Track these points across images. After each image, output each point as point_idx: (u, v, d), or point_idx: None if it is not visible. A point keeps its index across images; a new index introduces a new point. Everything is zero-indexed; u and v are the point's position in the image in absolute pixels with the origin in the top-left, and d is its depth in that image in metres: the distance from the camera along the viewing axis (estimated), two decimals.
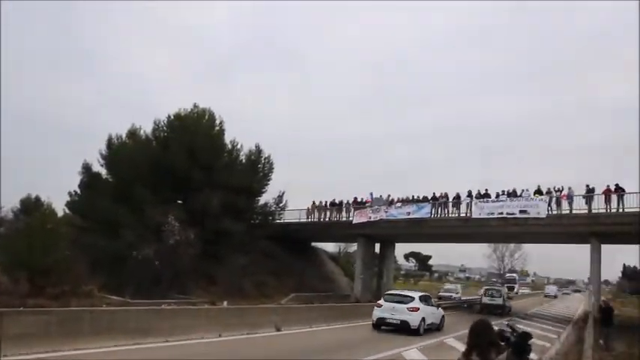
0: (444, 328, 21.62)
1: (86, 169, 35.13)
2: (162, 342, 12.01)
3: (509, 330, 4.49)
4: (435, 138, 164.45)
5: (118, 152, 34.44)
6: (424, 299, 21.10)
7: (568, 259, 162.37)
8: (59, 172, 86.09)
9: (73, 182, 36.07)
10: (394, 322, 19.29)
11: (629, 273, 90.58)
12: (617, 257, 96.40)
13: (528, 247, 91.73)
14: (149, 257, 27.91)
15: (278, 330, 16.46)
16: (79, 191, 35.58)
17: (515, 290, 67.18)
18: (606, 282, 72.37)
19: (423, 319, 19.73)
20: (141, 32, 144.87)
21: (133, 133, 35.75)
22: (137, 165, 32.48)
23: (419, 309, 19.68)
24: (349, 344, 15.42)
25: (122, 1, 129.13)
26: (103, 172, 35.21)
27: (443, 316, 22.36)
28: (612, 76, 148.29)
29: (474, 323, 4.11)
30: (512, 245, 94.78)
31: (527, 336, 5.59)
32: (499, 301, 36.83)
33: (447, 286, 55.82)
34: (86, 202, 33.64)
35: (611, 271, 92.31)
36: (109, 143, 35.18)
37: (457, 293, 47.39)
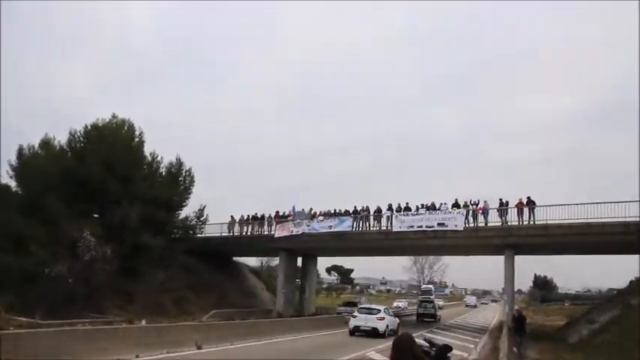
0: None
1: None
2: None
3: (427, 344, 4.51)
4: (360, 150, 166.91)
5: (29, 163, 32.74)
6: (387, 311, 28.10)
7: (484, 270, 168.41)
8: None
9: None
10: (367, 328, 25.28)
11: (539, 282, 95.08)
12: (529, 267, 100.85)
13: (447, 259, 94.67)
14: (62, 275, 26.58)
15: (199, 348, 16.04)
16: None
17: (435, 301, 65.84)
18: (519, 291, 75.69)
19: (387, 326, 25.69)
20: (54, 36, 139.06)
21: (46, 143, 34.17)
22: (50, 177, 31.00)
23: (384, 318, 26.09)
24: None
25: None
26: (12, 184, 33.34)
27: (399, 323, 28.25)
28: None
29: (397, 337, 4.10)
30: (431, 257, 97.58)
31: (446, 349, 5.69)
32: (432, 310, 44.07)
33: (396, 302, 68.27)
34: None
35: (524, 281, 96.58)
36: (20, 154, 33.43)
37: (405, 307, 61.96)
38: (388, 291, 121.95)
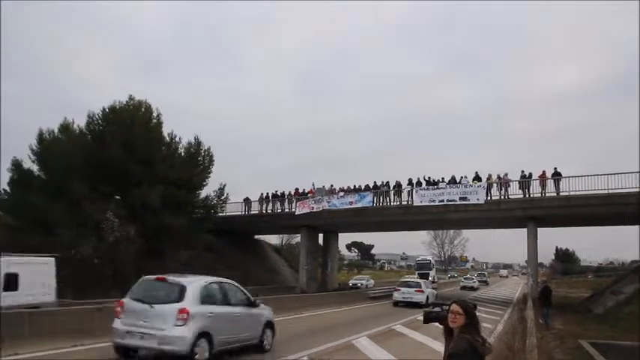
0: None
1: (16, 165, 33.38)
2: (108, 342, 11.52)
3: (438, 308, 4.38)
4: (376, 129, 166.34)
5: (50, 147, 32.96)
6: (426, 284, 31.65)
7: (505, 244, 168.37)
8: None
9: None
10: (409, 300, 29.01)
11: (561, 255, 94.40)
12: (551, 240, 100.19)
13: (467, 234, 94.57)
14: (88, 255, 26.94)
15: None
16: (8, 189, 33.88)
17: (431, 278, 48.72)
18: (541, 264, 75.62)
19: (427, 297, 28.95)
20: (68, 28, 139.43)
21: (65, 128, 34.30)
22: (71, 160, 31.20)
23: (424, 290, 29.68)
24: (307, 334, 15.26)
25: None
26: (35, 168, 33.62)
27: (436, 295, 31.97)
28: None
29: (464, 302, 4.07)
30: (451, 232, 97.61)
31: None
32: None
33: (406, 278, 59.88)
34: (17, 200, 32.05)
35: (545, 254, 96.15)
36: (40, 138, 33.64)
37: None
38: (409, 266, 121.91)
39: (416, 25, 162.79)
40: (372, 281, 52.09)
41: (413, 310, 25.16)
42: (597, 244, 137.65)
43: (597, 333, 17.82)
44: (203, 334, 10.26)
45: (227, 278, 12.72)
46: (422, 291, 29.65)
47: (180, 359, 9.90)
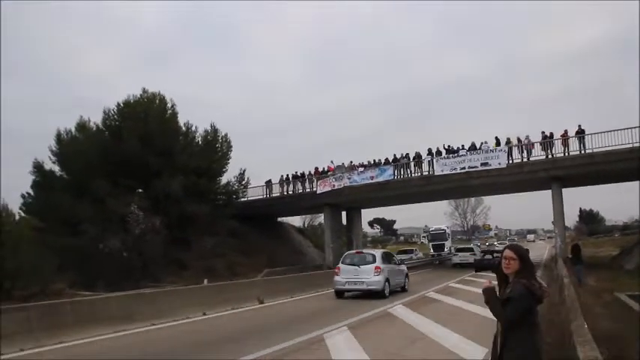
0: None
1: (38, 168, 33.72)
2: (148, 326, 11.70)
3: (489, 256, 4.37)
4: (389, 104, 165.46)
5: (69, 147, 33.24)
6: (476, 247, 43.08)
7: (528, 209, 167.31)
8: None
9: (19, 185, 34.67)
10: (464, 262, 37.26)
11: (585, 216, 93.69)
12: (574, 202, 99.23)
13: (489, 201, 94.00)
14: (116, 249, 27.29)
15: (261, 303, 16.33)
16: (32, 192, 34.24)
17: (447, 249, 50.09)
18: (566, 227, 74.89)
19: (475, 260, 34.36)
20: (72, 28, 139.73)
21: (82, 126, 34.54)
22: (91, 157, 31.48)
23: (476, 253, 37.50)
24: (332, 309, 15.33)
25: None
26: (56, 169, 33.96)
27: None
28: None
29: (517, 246, 4.05)
30: (472, 201, 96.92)
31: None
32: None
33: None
34: (42, 201, 32.44)
35: (569, 216, 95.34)
36: (59, 139, 33.92)
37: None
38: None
39: None
40: (420, 253, 50.42)
41: (445, 278, 25.26)
42: (621, 203, 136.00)
43: (632, 287, 17.63)
44: (386, 280, 17.96)
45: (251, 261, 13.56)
46: (475, 254, 37.90)
47: (376, 294, 17.54)
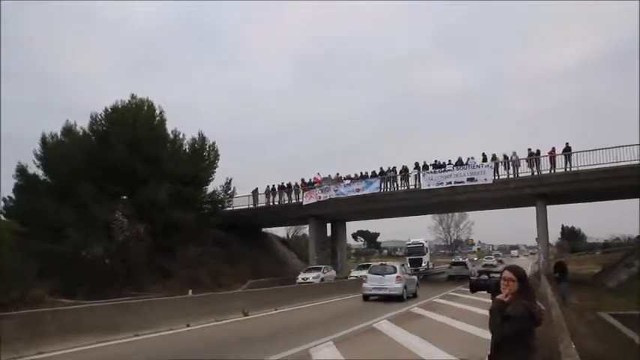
0: None
1: (21, 171, 33.30)
2: (132, 337, 11.52)
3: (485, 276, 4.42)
4: (376, 114, 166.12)
5: (54, 151, 32.92)
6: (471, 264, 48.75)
7: (510, 225, 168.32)
8: None
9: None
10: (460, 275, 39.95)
11: (567, 233, 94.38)
12: (556, 219, 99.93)
13: (473, 217, 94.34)
14: (99, 256, 27.02)
15: (245, 315, 16.17)
16: (14, 196, 33.76)
17: (424, 265, 47.94)
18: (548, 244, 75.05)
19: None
20: (64, 29, 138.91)
21: (68, 130, 34.26)
22: (76, 162, 31.24)
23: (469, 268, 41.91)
24: (319, 322, 15.23)
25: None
26: (40, 173, 33.58)
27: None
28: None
29: (515, 268, 4.13)
30: (457, 216, 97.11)
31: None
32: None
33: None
34: (24, 205, 32.01)
35: (552, 233, 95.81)
36: (44, 142, 33.59)
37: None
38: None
39: (412, 4, 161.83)
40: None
41: (430, 293, 25.25)
42: (602, 221, 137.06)
43: (615, 306, 17.77)
44: (404, 287, 22.02)
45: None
46: (467, 267, 43.05)
47: (396, 298, 21.37)
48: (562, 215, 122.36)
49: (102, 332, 11.04)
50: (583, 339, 10.17)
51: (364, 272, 27.66)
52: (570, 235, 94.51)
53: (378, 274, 22.42)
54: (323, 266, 35.13)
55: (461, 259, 50.72)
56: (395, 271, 22.26)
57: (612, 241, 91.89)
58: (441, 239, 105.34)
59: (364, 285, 22.56)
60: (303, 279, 32.23)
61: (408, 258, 48.28)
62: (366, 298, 22.24)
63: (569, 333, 8.83)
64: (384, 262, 27.66)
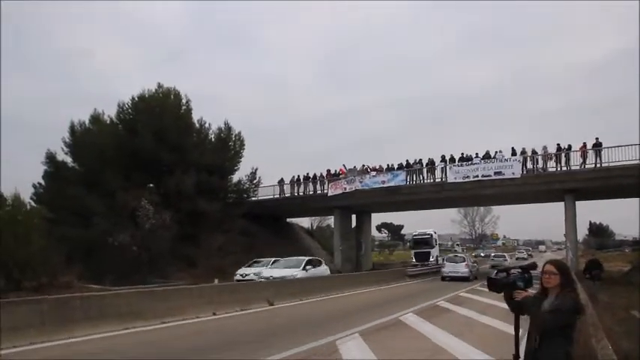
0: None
1: (50, 158, 33.81)
2: (159, 324, 11.55)
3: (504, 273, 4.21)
4: (403, 109, 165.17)
5: (82, 139, 33.27)
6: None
7: (536, 220, 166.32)
8: (10, 166, 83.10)
9: (30, 176, 34.75)
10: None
11: (594, 229, 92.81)
12: (584, 215, 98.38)
13: (498, 211, 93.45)
14: (126, 243, 27.22)
15: (271, 304, 16.16)
16: (43, 183, 34.30)
17: (432, 258, 42.14)
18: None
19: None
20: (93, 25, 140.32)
21: (96, 119, 34.59)
22: (104, 150, 31.57)
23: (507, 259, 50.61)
24: (345, 313, 15.12)
25: None
26: (68, 160, 34.01)
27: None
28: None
29: (559, 262, 4.07)
30: (482, 210, 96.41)
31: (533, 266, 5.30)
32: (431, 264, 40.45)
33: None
34: (53, 192, 32.51)
35: (579, 229, 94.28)
36: (72, 130, 33.98)
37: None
38: (440, 245, 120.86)
39: (437, 4, 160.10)
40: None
41: (456, 287, 25.01)
42: (631, 218, 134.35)
43: None
44: (470, 271, 31.29)
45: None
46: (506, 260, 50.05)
47: (464, 279, 29.72)
48: (590, 210, 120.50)
49: (129, 318, 11.10)
50: (615, 337, 9.90)
51: (254, 270, 25.40)
52: (598, 231, 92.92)
53: (452, 262, 32.41)
54: (294, 258, 27.20)
55: (482, 254, 50.12)
56: (464, 260, 32.65)
57: None
58: (466, 233, 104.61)
59: (442, 269, 32.43)
60: (241, 275, 26.05)
61: (413, 251, 44.50)
62: (443, 278, 31.17)
63: (604, 333, 8.62)
64: (456, 254, 43.61)
